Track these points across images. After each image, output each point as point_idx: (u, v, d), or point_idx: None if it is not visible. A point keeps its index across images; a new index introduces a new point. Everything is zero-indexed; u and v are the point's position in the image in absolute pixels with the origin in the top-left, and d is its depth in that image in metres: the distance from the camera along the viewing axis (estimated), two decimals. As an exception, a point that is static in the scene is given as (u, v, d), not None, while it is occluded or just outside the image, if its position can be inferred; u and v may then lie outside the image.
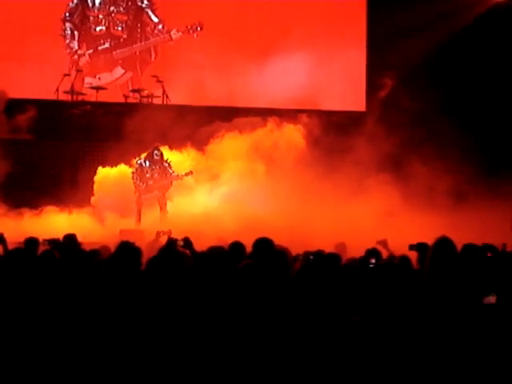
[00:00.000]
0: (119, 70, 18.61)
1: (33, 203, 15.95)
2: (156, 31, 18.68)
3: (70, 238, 9.35)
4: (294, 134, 16.94)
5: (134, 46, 18.66)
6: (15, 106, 16.75)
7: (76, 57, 18.38)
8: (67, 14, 18.46)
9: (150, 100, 17.73)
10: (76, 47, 18.42)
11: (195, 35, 18.42)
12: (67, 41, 18.40)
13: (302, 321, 5.37)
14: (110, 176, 16.69)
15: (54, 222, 15.31)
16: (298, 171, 15.83)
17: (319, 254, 6.46)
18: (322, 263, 5.73)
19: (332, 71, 18.60)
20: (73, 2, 18.49)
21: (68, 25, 18.43)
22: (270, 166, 16.50)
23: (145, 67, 18.65)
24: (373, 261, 6.66)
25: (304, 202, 15.34)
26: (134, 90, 18.00)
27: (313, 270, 5.63)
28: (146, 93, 17.77)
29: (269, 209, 15.24)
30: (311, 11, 18.64)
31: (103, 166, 16.77)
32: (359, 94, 18.97)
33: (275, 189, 15.83)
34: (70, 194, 16.12)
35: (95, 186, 16.54)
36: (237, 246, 7.08)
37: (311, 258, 6.27)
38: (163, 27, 18.65)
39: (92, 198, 16.44)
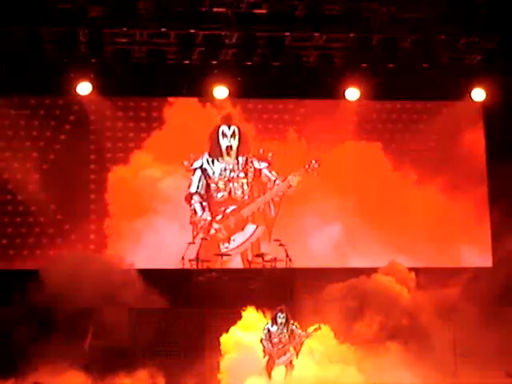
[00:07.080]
0: (251, 226, 18.95)
1: (166, 370, 15.94)
2: (275, 186, 19.01)
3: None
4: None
5: (257, 200, 18.97)
6: (143, 276, 17.13)
7: (204, 224, 18.81)
8: (193, 190, 18.98)
9: (273, 264, 17.88)
10: (209, 218, 18.83)
11: (315, 174, 18.67)
12: (199, 214, 18.84)
13: None
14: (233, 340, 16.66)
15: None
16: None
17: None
18: None
19: (454, 229, 18.51)
20: (194, 175, 19.00)
21: (197, 198, 18.94)
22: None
23: (270, 224, 18.91)
24: None
25: None
26: (257, 255, 18.27)
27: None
28: (269, 257, 17.99)
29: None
30: (431, 169, 18.72)
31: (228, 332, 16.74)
32: (485, 249, 18.74)
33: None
34: (199, 361, 16.14)
35: (222, 351, 16.47)
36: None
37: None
38: (282, 180, 18.95)
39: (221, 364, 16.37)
